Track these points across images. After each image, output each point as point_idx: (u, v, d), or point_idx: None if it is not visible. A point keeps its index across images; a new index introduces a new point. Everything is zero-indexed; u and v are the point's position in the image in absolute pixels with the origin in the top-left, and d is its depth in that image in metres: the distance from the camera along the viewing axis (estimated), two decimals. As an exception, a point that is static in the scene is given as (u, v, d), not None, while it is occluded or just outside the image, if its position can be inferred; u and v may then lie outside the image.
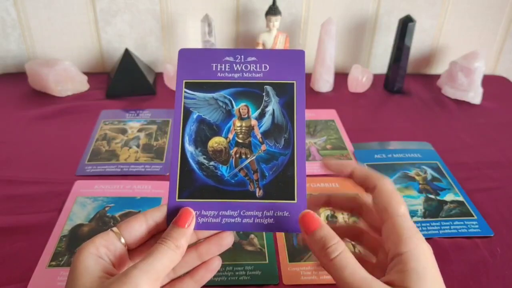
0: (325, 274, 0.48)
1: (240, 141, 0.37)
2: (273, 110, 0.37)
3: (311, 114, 0.79)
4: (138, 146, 0.69)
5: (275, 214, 0.35)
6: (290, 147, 0.36)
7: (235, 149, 0.37)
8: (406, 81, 0.89)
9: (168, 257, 0.31)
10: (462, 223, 0.56)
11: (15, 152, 0.67)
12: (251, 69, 0.39)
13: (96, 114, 0.77)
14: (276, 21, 0.81)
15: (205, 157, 0.37)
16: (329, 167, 0.37)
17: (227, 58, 0.39)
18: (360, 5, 0.88)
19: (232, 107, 0.38)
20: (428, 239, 0.53)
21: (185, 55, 0.38)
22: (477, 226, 0.55)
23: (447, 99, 0.86)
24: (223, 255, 0.49)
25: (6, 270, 0.48)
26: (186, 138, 0.37)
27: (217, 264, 0.37)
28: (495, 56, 0.97)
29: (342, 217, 0.56)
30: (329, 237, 0.31)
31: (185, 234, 0.33)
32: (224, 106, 0.38)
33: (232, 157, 0.37)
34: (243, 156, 0.37)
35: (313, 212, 0.33)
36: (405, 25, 0.81)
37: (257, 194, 0.36)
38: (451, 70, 0.86)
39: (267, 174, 0.36)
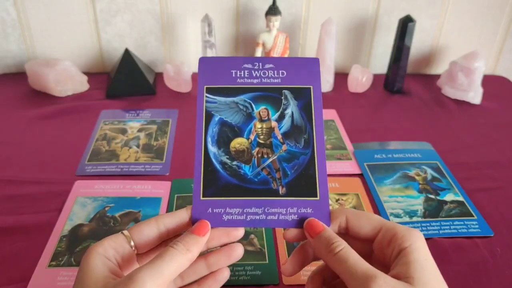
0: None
1: (262, 141, 0.39)
2: (292, 112, 0.39)
3: (311, 114, 0.79)
4: (138, 146, 0.69)
5: (299, 211, 0.37)
6: (310, 147, 0.38)
7: (257, 149, 0.38)
8: (406, 81, 0.89)
9: (177, 262, 0.31)
10: (462, 223, 0.56)
11: (15, 152, 0.67)
12: (269, 75, 0.41)
13: (96, 114, 0.77)
14: (276, 21, 0.81)
15: (228, 157, 0.38)
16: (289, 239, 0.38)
17: (246, 65, 0.41)
18: (360, 5, 0.88)
19: (252, 110, 0.39)
20: (428, 239, 0.53)
21: (205, 62, 0.41)
22: (477, 226, 0.55)
23: (447, 99, 0.86)
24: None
25: (6, 270, 0.48)
26: (209, 139, 0.38)
27: (226, 275, 0.37)
28: (495, 56, 0.97)
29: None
30: (333, 236, 0.34)
31: (199, 242, 0.33)
32: (244, 109, 0.40)
33: (254, 157, 0.38)
34: (265, 156, 0.38)
35: (315, 220, 0.36)
36: (405, 25, 0.81)
37: (280, 192, 0.37)
38: (451, 70, 0.86)
39: (289, 173, 0.38)
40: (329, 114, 0.80)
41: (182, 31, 0.89)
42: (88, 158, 0.66)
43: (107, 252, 0.32)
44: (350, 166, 0.66)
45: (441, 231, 0.55)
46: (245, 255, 0.50)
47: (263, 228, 0.54)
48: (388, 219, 0.56)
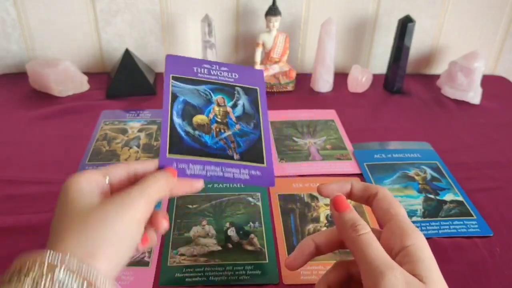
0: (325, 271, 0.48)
1: (219, 120, 0.46)
2: (243, 103, 0.48)
3: (310, 114, 0.79)
4: (138, 146, 0.69)
5: (250, 173, 0.44)
6: (258, 129, 0.47)
7: (215, 125, 0.46)
8: (405, 81, 0.89)
9: (159, 184, 0.37)
10: (461, 223, 0.56)
11: (16, 152, 0.67)
12: (224, 75, 0.50)
13: (96, 114, 0.77)
14: (276, 22, 0.81)
15: (191, 127, 0.45)
16: (328, 192, 0.40)
17: (205, 65, 0.50)
18: (360, 5, 0.88)
19: (211, 97, 0.48)
20: (428, 239, 0.53)
21: (172, 58, 0.49)
22: (476, 226, 0.56)
23: (447, 99, 0.86)
24: (223, 255, 0.49)
25: (6, 270, 0.48)
26: (174, 113, 0.45)
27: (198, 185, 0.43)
28: (495, 56, 0.97)
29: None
30: (358, 218, 0.35)
31: (171, 176, 0.39)
32: (204, 96, 0.48)
33: (213, 130, 0.45)
34: (222, 131, 0.46)
35: (344, 196, 0.37)
36: (405, 25, 0.81)
37: (234, 157, 0.44)
38: (450, 70, 0.86)
39: (242, 145, 0.46)
40: (329, 114, 0.80)
41: (182, 31, 0.89)
42: (89, 158, 0.66)
43: (91, 180, 0.35)
44: (350, 166, 0.66)
45: (440, 231, 0.55)
46: (245, 254, 0.50)
47: (263, 228, 0.54)
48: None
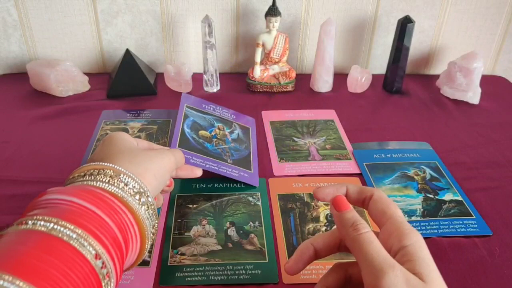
0: (324, 273, 0.49)
1: (219, 138, 0.65)
2: (238, 133, 0.69)
3: (310, 114, 0.80)
4: (138, 146, 0.69)
5: (240, 173, 0.60)
6: (248, 150, 0.66)
7: (215, 139, 0.64)
8: (405, 82, 0.89)
9: (179, 153, 0.50)
10: (460, 222, 0.56)
11: (17, 152, 0.67)
12: (225, 114, 0.72)
13: (97, 115, 0.77)
14: (276, 22, 0.81)
15: (196, 136, 0.62)
16: (323, 196, 0.40)
17: (211, 105, 0.71)
18: (359, 6, 0.89)
19: (214, 123, 0.68)
20: (427, 239, 0.54)
21: (186, 96, 0.70)
22: (475, 226, 0.56)
23: (446, 99, 0.87)
24: (223, 255, 0.49)
25: (8, 269, 0.48)
26: (185, 125, 0.63)
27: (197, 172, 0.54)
28: (494, 56, 0.97)
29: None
30: (358, 217, 0.36)
31: (180, 153, 0.50)
32: (209, 121, 0.67)
33: (213, 142, 0.63)
34: (221, 143, 0.64)
35: (344, 196, 0.38)
36: (404, 25, 0.82)
37: (228, 161, 0.61)
38: (449, 70, 0.86)
39: (235, 155, 0.63)
40: (329, 114, 0.80)
41: (182, 31, 0.89)
42: (89, 158, 0.66)
43: (131, 137, 0.47)
44: (349, 166, 0.66)
45: (440, 231, 0.55)
46: (245, 254, 0.51)
47: (263, 228, 0.54)
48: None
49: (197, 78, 0.87)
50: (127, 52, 0.83)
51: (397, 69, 0.86)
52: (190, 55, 0.92)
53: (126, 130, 0.73)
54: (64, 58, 0.88)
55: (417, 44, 0.93)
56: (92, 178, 0.38)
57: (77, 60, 0.89)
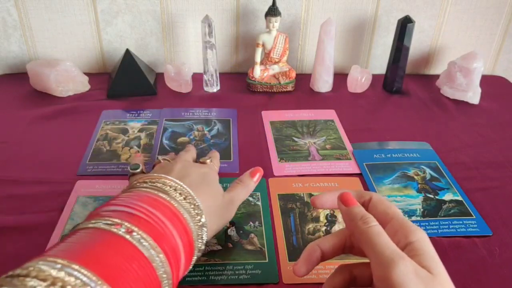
0: (324, 273, 0.49)
1: (197, 139, 0.71)
2: (218, 128, 0.74)
3: (310, 114, 0.80)
4: (139, 146, 0.70)
5: (221, 165, 0.63)
6: (228, 141, 0.71)
7: (194, 142, 0.71)
8: (405, 82, 0.89)
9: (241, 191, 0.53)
10: (460, 222, 0.56)
11: (17, 152, 0.67)
12: (205, 114, 0.78)
13: (97, 115, 0.77)
14: (276, 22, 0.81)
15: (174, 144, 0.70)
16: (321, 203, 0.42)
17: (191, 110, 0.78)
18: (359, 6, 0.89)
19: (193, 127, 0.74)
20: (427, 238, 0.54)
21: (167, 110, 0.78)
22: (475, 226, 0.56)
23: (446, 99, 0.87)
24: (223, 255, 0.49)
25: (7, 269, 0.48)
26: (163, 138, 0.71)
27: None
28: (494, 56, 0.97)
29: (342, 216, 0.57)
30: (366, 212, 0.37)
31: (251, 182, 0.54)
32: (187, 126, 0.74)
33: (192, 145, 0.67)
34: (199, 144, 0.70)
35: (350, 193, 0.39)
36: (404, 25, 0.82)
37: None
38: (449, 70, 0.86)
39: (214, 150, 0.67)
40: (329, 114, 0.80)
41: (182, 31, 0.89)
42: (89, 158, 0.66)
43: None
44: (349, 166, 0.66)
45: (440, 231, 0.55)
46: (245, 254, 0.51)
47: (263, 228, 0.54)
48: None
49: (197, 78, 0.87)
50: (127, 52, 0.83)
51: (397, 69, 0.86)
52: (190, 55, 0.92)
53: (126, 130, 0.73)
54: (64, 58, 0.88)
55: (417, 44, 0.93)
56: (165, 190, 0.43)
57: (77, 60, 0.90)
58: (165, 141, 0.69)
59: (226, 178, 0.60)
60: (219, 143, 0.70)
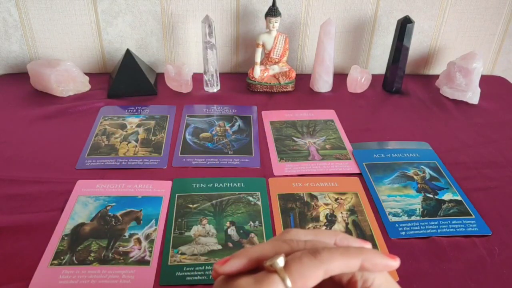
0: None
1: (219, 134, 0.73)
2: (239, 124, 0.76)
3: (310, 114, 0.80)
4: (136, 140, 0.70)
5: (240, 160, 0.67)
6: (249, 137, 0.73)
7: (216, 137, 0.72)
8: (404, 82, 0.89)
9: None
10: (460, 222, 0.56)
11: (17, 152, 0.67)
12: (226, 111, 0.79)
13: (97, 114, 0.77)
14: (276, 22, 0.82)
15: (197, 139, 0.72)
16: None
17: (212, 107, 0.80)
18: (359, 6, 0.89)
19: (215, 123, 0.76)
20: (427, 238, 0.54)
21: (188, 107, 0.79)
22: (475, 225, 0.56)
23: (445, 99, 0.87)
24: (224, 254, 0.50)
25: (8, 269, 0.48)
26: (186, 133, 0.73)
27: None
28: (493, 57, 0.97)
29: (341, 216, 0.57)
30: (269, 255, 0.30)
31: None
32: (209, 122, 0.76)
33: (214, 140, 0.72)
34: (221, 139, 0.72)
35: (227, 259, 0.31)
36: (404, 26, 0.82)
37: (229, 153, 0.69)
38: (449, 70, 0.87)
39: (235, 146, 0.71)
40: (328, 114, 0.80)
41: (182, 32, 0.89)
42: (88, 152, 0.67)
43: None
44: (349, 166, 0.67)
45: (439, 230, 0.55)
46: (245, 253, 0.51)
47: (263, 227, 0.54)
48: (387, 218, 0.57)
49: (198, 78, 0.87)
50: (128, 52, 0.83)
51: (397, 69, 0.86)
52: (190, 55, 0.92)
53: (124, 125, 0.73)
54: (64, 58, 0.88)
55: (416, 44, 0.93)
56: None
57: (77, 60, 0.90)
58: (188, 136, 0.71)
59: (243, 188, 0.61)
60: (241, 139, 0.72)
